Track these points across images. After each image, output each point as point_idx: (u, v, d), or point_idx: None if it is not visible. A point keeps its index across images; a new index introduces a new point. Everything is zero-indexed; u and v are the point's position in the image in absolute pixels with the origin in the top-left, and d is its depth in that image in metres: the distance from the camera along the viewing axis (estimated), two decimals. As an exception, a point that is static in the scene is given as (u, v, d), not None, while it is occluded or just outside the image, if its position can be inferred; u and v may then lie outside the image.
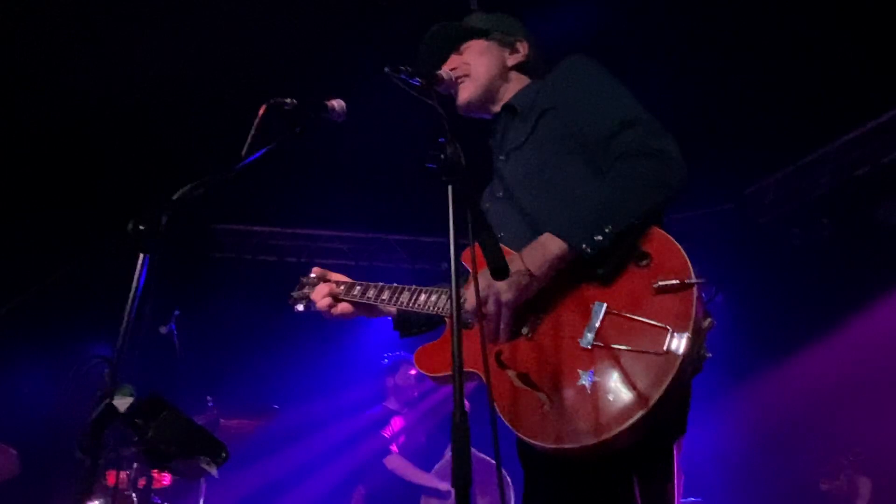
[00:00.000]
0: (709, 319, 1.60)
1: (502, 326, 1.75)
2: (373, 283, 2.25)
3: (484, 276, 1.70)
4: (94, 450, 1.50)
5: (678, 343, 1.52)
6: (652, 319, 1.57)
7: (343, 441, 5.80)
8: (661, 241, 1.67)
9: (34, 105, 5.05)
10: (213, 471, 1.65)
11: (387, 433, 5.37)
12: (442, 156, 1.51)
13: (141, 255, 1.64)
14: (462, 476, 1.26)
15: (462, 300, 1.89)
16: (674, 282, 1.58)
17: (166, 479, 4.38)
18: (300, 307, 2.43)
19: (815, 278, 6.03)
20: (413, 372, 5.63)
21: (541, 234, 1.76)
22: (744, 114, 5.37)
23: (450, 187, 1.50)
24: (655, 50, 4.62)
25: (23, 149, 5.40)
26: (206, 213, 6.79)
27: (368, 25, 4.48)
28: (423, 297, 2.08)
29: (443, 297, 2.02)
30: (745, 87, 5.12)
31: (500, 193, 2.08)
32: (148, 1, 4.36)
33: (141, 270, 1.64)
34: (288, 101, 2.08)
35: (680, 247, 1.64)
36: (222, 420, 4.52)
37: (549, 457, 1.64)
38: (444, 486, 4.99)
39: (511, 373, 1.71)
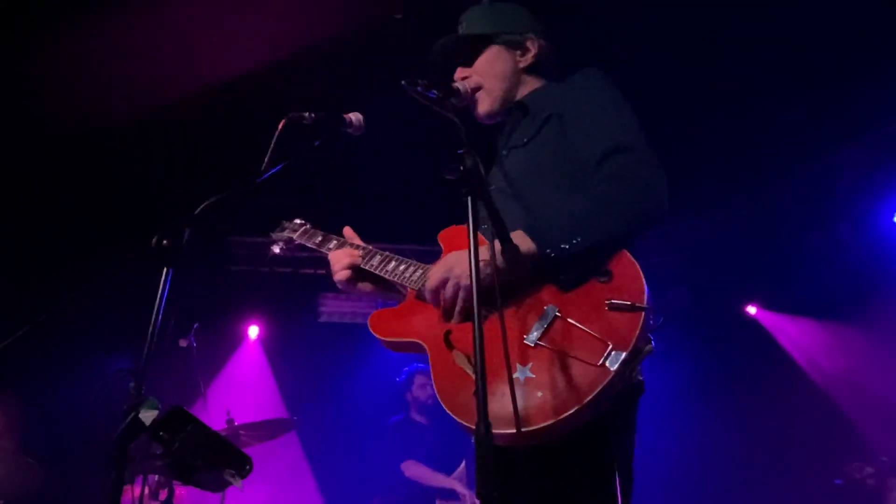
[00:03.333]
0: (649, 346, 1.67)
1: (457, 308, 1.82)
2: (352, 244, 2.30)
3: (449, 259, 1.84)
4: (120, 463, 1.51)
5: (614, 360, 1.59)
6: (597, 333, 1.65)
7: (360, 453, 5.80)
8: (625, 264, 1.74)
9: (52, 117, 5.12)
10: (238, 483, 1.66)
11: (405, 442, 5.36)
12: (461, 167, 1.53)
13: (165, 269, 1.67)
14: (487, 489, 1.25)
15: (425, 278, 1.96)
16: (626, 303, 1.65)
17: (182, 491, 4.39)
18: (276, 249, 2.48)
19: (833, 282, 5.98)
20: (427, 381, 5.62)
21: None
22: (759, 117, 5.34)
23: (469, 198, 1.52)
24: (670, 50, 4.60)
25: (45, 163, 5.48)
26: (222, 225, 6.84)
27: (383, 39, 4.51)
28: (392, 264, 2.12)
29: (410, 268, 2.07)
30: (761, 90, 5.09)
31: (493, 187, 2.11)
32: (163, 15, 4.42)
33: (165, 284, 1.66)
34: (306, 114, 2.11)
35: (641, 273, 1.72)
36: (242, 432, 4.52)
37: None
38: (461, 487, 4.97)
39: (455, 352, 1.79)
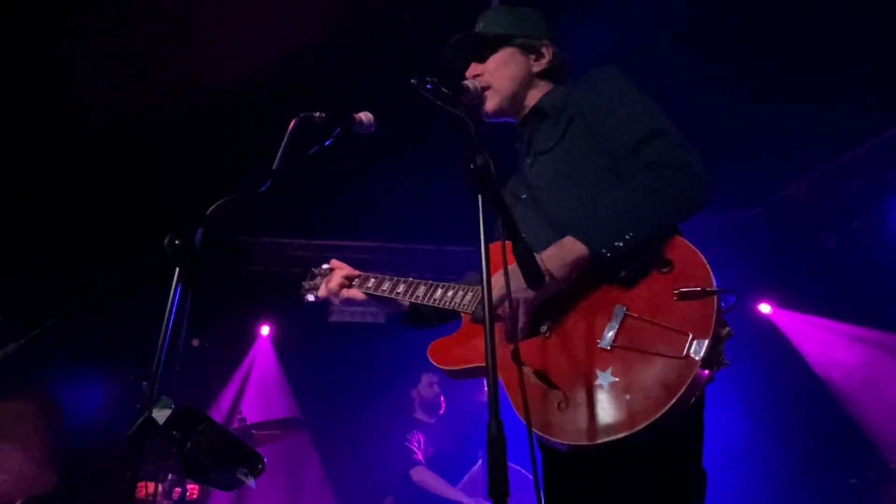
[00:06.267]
0: (727, 328, 1.62)
1: (520, 324, 1.77)
2: (388, 276, 2.28)
3: (499, 279, 1.72)
4: (134, 461, 1.52)
5: (698, 349, 1.55)
6: (672, 324, 1.60)
7: (371, 452, 5.81)
8: (683, 250, 1.71)
9: (66, 118, 5.16)
10: (251, 482, 1.67)
11: (414, 443, 5.36)
12: (472, 165, 1.52)
13: (177, 269, 1.68)
14: (499, 490, 1.25)
15: (476, 300, 1.95)
16: (696, 289, 1.60)
17: (195, 490, 4.41)
18: (311, 297, 2.47)
19: (847, 282, 5.92)
20: (435, 380, 5.62)
21: (563, 237, 1.78)
22: (772, 117, 5.30)
23: (479, 196, 1.51)
24: (683, 52, 4.58)
25: (57, 165, 5.53)
26: (233, 226, 6.87)
27: (393, 38, 4.51)
28: (439, 292, 2.10)
29: (459, 292, 2.05)
30: (773, 90, 5.05)
31: (525, 195, 2.08)
32: (181, 20, 4.45)
33: (177, 284, 1.67)
34: (317, 114, 2.11)
35: (702, 256, 1.67)
36: (254, 431, 4.55)
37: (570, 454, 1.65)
38: (469, 501, 4.94)
39: (527, 369, 1.73)
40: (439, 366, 1.97)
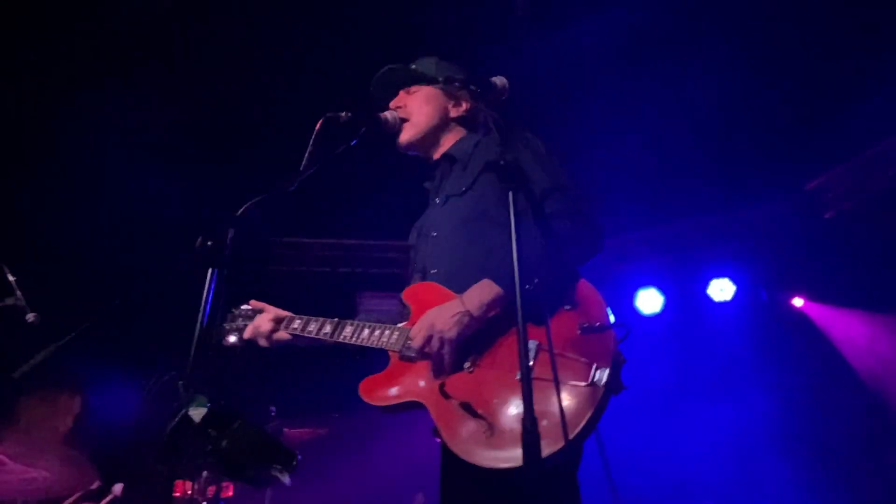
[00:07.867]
0: (622, 357, 1.86)
1: (446, 361, 1.93)
2: (314, 318, 2.33)
3: (428, 317, 1.94)
4: (170, 460, 1.55)
5: (601, 376, 1.78)
6: (579, 356, 1.82)
7: (402, 448, 5.83)
8: (585, 290, 1.95)
9: (97, 121, 5.24)
10: (286, 478, 1.69)
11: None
12: (502, 161, 1.54)
13: (210, 270, 1.70)
14: (532, 479, 1.26)
15: (408, 340, 2.03)
16: (596, 324, 1.84)
17: (230, 488, 4.47)
18: (233, 339, 2.43)
19: (881, 272, 5.79)
20: None
21: (472, 275, 1.97)
22: (802, 107, 5.21)
23: (510, 193, 1.53)
24: (716, 43, 4.52)
25: (92, 165, 5.63)
26: (260, 227, 6.94)
27: (424, 37, 4.52)
28: (366, 332, 2.17)
29: (386, 332, 2.12)
30: (805, 79, 4.96)
31: (435, 233, 2.25)
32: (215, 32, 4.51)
33: (210, 284, 1.70)
34: (343, 114, 2.14)
35: (600, 295, 1.93)
36: (286, 429, 4.60)
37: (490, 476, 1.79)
38: None
39: (454, 402, 1.89)
40: (372, 403, 2.06)
